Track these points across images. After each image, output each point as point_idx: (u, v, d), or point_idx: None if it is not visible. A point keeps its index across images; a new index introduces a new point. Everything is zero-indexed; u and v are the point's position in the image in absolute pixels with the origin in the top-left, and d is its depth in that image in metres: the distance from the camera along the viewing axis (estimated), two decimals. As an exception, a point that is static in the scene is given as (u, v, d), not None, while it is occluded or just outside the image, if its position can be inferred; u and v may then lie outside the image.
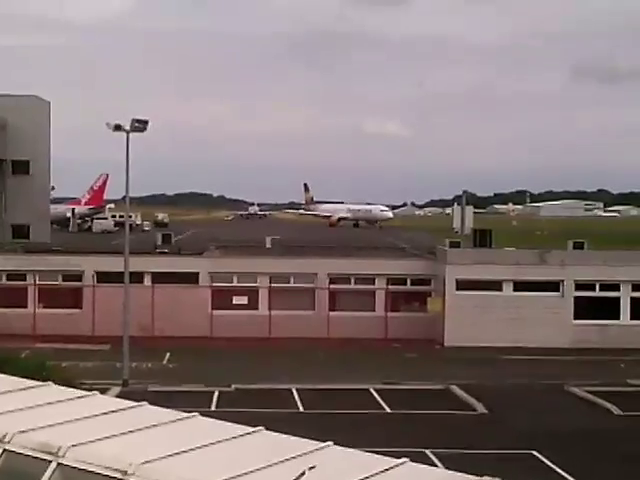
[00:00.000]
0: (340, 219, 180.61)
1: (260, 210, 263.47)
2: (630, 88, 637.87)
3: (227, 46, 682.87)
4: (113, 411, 10.97)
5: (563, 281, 49.36)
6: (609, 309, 49.32)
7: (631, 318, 49.50)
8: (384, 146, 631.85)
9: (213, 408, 32.24)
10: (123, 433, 10.02)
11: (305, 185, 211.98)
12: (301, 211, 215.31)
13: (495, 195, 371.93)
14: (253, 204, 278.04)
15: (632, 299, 49.65)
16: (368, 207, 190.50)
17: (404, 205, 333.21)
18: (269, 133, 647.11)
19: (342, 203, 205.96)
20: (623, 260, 50.58)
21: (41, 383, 12.76)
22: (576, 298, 49.47)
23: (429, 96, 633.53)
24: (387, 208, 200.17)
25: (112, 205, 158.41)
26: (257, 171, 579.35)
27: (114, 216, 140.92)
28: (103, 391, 12.54)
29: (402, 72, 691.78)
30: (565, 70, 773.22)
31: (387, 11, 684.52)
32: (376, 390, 36.19)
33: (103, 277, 49.74)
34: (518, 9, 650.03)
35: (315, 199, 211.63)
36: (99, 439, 9.70)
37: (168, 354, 43.79)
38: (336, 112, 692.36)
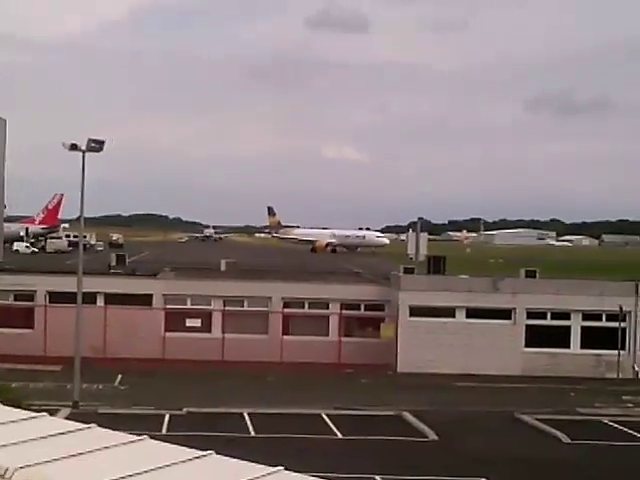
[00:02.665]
0: (328, 244, 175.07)
1: (216, 233, 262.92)
2: (583, 120, 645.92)
3: (188, 69, 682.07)
4: (61, 433, 10.86)
5: (515, 309, 49.73)
6: (560, 338, 49.74)
7: (581, 347, 49.92)
8: (341, 171, 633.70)
9: (164, 431, 32.03)
10: (71, 455, 9.91)
11: (270, 209, 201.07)
12: (261, 235, 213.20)
13: (450, 222, 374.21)
14: (209, 226, 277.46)
15: (582, 328, 50.13)
16: (360, 232, 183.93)
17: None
18: (226, 156, 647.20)
19: (298, 227, 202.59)
20: (574, 289, 51.04)
21: (-11, 404, 12.60)
22: (527, 326, 49.86)
23: (387, 123, 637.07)
24: (382, 234, 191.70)
25: (66, 225, 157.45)
26: (214, 194, 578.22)
27: (68, 236, 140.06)
28: (52, 412, 12.40)
29: (361, 99, 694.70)
30: (521, 101, 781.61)
31: (349, 38, 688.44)
32: (328, 415, 36.18)
33: (56, 297, 49.32)
34: (477, 40, 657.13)
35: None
36: (47, 461, 9.60)
37: (120, 376, 43.45)
38: (294, 137, 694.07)
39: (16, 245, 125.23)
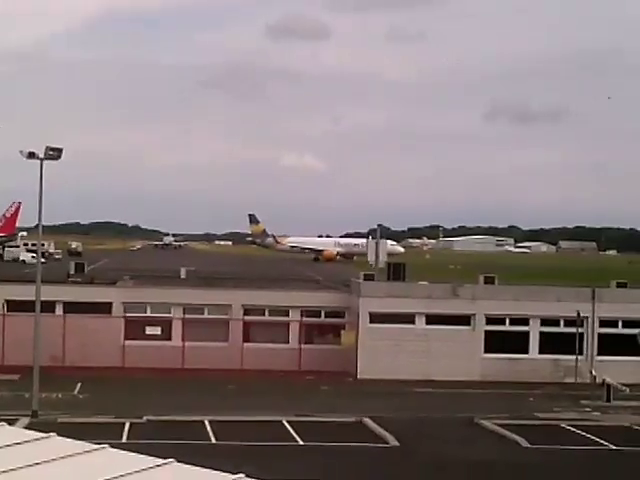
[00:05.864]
0: (338, 253, 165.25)
1: (175, 240, 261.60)
2: (539, 129, 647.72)
3: (146, 77, 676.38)
4: (20, 443, 10.81)
5: (474, 315, 50.06)
6: (518, 343, 50.14)
7: (540, 352, 50.38)
8: (299, 179, 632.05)
9: (124, 440, 31.85)
10: (30, 465, 9.87)
11: (252, 216, 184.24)
12: (220, 242, 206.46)
13: (409, 229, 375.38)
14: (168, 234, 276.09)
15: (541, 333, 50.58)
16: (372, 241, 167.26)
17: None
18: (186, 164, 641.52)
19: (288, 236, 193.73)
20: (532, 295, 51.50)
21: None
22: (487, 332, 50.20)
23: (346, 131, 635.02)
24: (395, 242, 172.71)
25: (25, 233, 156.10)
26: (173, 202, 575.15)
27: (26, 244, 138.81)
28: (11, 422, 12.34)
29: (320, 107, 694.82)
30: (479, 109, 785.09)
31: (308, 46, 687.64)
32: (289, 422, 36.17)
33: (14, 306, 48.90)
34: (435, 49, 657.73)
35: (233, 231, 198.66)
36: (5, 471, 9.56)
37: (79, 385, 43.17)
38: (253, 145, 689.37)
39: (22, 255, 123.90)
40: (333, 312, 52.22)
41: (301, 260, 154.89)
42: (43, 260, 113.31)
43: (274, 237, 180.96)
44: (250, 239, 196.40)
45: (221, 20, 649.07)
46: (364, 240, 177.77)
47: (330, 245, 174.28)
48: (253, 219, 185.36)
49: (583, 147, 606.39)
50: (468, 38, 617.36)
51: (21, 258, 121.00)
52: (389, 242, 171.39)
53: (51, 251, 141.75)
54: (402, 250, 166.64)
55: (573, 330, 49.23)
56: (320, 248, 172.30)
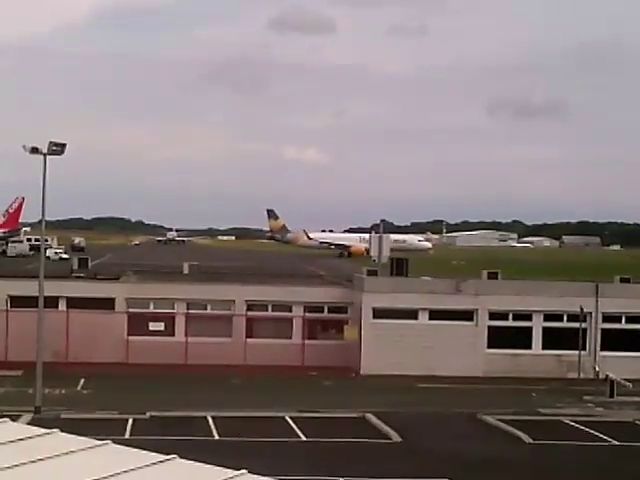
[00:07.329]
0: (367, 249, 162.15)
1: (179, 236, 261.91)
2: (544, 124, 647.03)
3: (147, 72, 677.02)
4: (24, 438, 10.81)
5: (477, 310, 50.02)
6: (521, 338, 50.11)
7: (543, 348, 50.34)
8: (303, 173, 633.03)
9: (127, 436, 31.91)
10: (33, 461, 9.88)
11: (270, 212, 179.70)
12: (223, 237, 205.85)
13: (412, 224, 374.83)
14: (172, 229, 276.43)
15: (544, 329, 50.54)
16: (400, 237, 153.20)
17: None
18: (189, 160, 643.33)
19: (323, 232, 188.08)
20: (536, 290, 51.47)
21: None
22: (490, 327, 50.16)
23: (348, 125, 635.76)
24: (423, 238, 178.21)
25: (28, 228, 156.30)
26: (176, 197, 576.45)
27: (30, 239, 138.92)
28: (14, 418, 12.33)
29: (323, 101, 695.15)
30: (481, 104, 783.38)
31: (309, 39, 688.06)
32: (292, 418, 36.20)
33: (17, 301, 48.94)
34: (437, 43, 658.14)
35: (235, 226, 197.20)
36: (8, 467, 9.56)
37: (83, 380, 43.22)
38: (256, 139, 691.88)
39: (47, 251, 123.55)
40: (336, 307, 52.22)
41: (326, 256, 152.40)
42: (66, 256, 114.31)
43: (305, 232, 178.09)
44: (269, 234, 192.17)
45: (222, 14, 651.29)
46: (391, 236, 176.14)
47: (355, 241, 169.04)
48: (272, 214, 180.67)
49: (587, 142, 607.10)
50: (469, 32, 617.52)
51: (46, 254, 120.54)
52: (417, 237, 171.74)
53: (54, 247, 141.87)
54: (430, 245, 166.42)
55: (576, 325, 49.20)
56: (350, 244, 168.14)
